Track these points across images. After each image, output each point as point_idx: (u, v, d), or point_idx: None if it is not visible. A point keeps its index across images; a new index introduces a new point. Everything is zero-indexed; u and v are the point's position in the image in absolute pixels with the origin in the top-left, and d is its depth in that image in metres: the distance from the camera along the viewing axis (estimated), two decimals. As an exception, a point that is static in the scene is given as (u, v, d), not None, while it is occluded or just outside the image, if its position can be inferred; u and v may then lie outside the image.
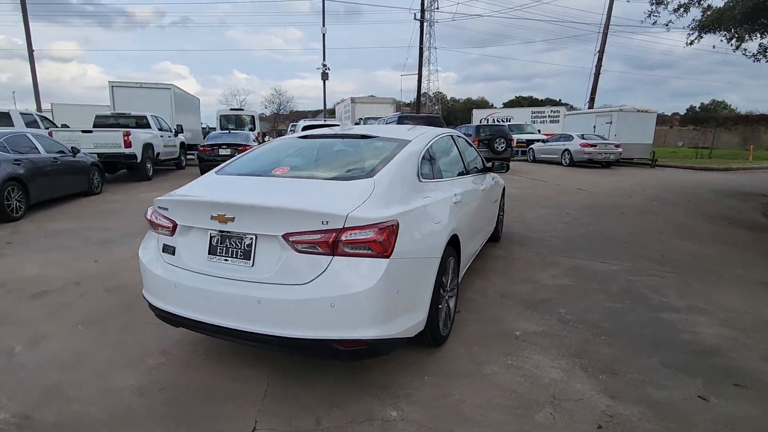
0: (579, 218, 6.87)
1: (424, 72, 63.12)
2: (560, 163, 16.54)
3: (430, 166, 2.87)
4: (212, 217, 2.08)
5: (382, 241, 1.97)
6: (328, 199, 2.14)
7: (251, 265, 2.07)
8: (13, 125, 10.97)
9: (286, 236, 1.97)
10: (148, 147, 11.24)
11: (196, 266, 2.19)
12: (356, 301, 1.93)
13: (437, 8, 42.85)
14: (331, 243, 1.92)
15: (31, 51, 14.02)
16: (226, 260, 2.13)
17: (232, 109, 18.24)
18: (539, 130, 23.23)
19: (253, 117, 18.15)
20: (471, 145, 4.44)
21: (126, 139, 10.31)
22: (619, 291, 3.74)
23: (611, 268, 4.35)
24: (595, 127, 18.60)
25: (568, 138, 16.64)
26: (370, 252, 1.96)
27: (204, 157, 11.76)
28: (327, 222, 1.93)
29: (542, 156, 17.78)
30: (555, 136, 18.21)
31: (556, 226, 6.25)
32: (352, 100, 19.55)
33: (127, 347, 2.79)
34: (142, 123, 12.15)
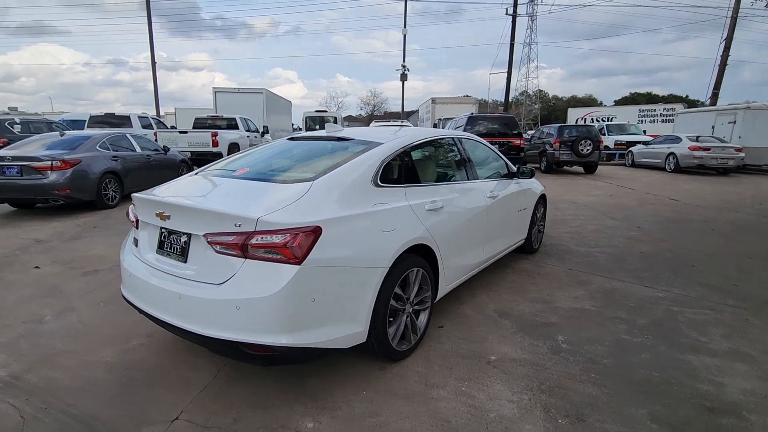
0: (650, 233, 5.96)
1: (523, 70, 59.97)
2: (663, 169, 14.53)
3: (400, 170, 2.73)
4: (156, 214, 2.23)
5: (292, 246, 1.92)
6: (251, 201, 2.15)
7: (185, 261, 2.18)
8: (131, 126, 12.95)
9: (206, 236, 2.03)
10: (234, 146, 12.41)
11: (148, 259, 2.36)
12: (260, 307, 1.91)
13: (540, 2, 40.43)
14: (242, 246, 1.93)
15: (153, 63, 16.46)
16: (168, 255, 2.26)
17: (316, 111, 19.29)
18: (645, 131, 20.68)
19: (335, 118, 19.00)
20: (491, 149, 4.11)
21: (214, 139, 11.50)
22: (648, 323, 3.16)
23: (654, 295, 3.70)
24: (713, 127, 16.01)
25: (675, 140, 14.55)
26: (279, 257, 1.93)
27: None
28: (239, 225, 1.94)
29: (642, 160, 15.79)
30: (659, 138, 16.05)
31: (614, 241, 5.51)
32: (433, 100, 19.34)
33: (124, 326, 3.11)
34: (231, 124, 13.45)
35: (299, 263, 1.93)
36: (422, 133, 3.20)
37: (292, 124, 22.30)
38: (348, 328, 2.19)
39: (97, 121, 13.49)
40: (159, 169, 9.04)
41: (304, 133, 3.62)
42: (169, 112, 27.57)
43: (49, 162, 6.56)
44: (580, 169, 14.24)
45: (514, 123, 12.25)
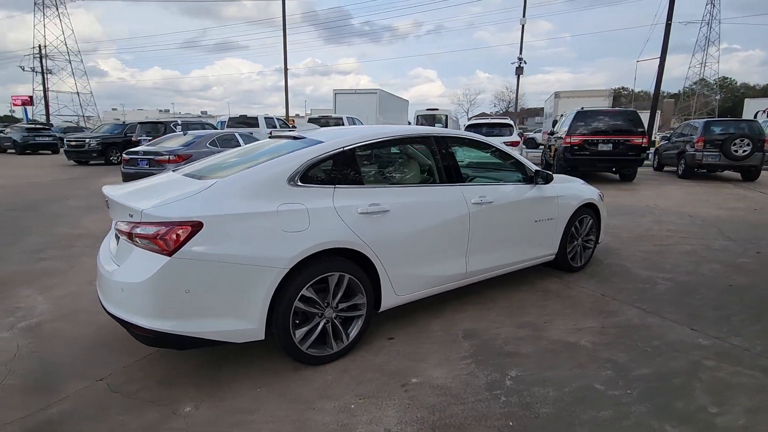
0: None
1: (699, 56, 50.27)
2: None
3: (336, 170, 2.63)
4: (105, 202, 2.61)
5: (165, 238, 2.05)
6: (156, 195, 2.33)
7: (117, 244, 2.50)
8: (258, 126, 14.87)
9: (116, 224, 2.30)
10: (337, 144, 13.29)
11: (111, 244, 2.76)
12: (134, 291, 2.11)
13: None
14: (129, 234, 2.14)
15: (285, 70, 18.62)
16: (116, 238, 2.62)
17: (428, 110, 19.24)
18: None
19: (446, 116, 18.71)
20: (502, 150, 3.64)
21: (318, 137, 12.49)
22: (649, 374, 2.47)
23: (695, 341, 2.85)
24: None
25: None
26: (154, 247, 2.08)
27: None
28: (131, 215, 2.16)
29: (842, 165, 11.87)
30: None
31: (703, 268, 4.35)
32: (556, 94, 17.43)
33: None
34: (338, 123, 14.40)
35: (170, 255, 2.06)
36: (380, 131, 3.02)
37: (409, 122, 22.77)
38: (235, 323, 2.24)
39: (236, 121, 15.85)
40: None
41: (280, 132, 3.75)
42: (307, 113, 30.69)
43: (167, 156, 8.00)
44: (737, 176, 11.44)
45: (636, 119, 10.37)
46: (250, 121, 15.67)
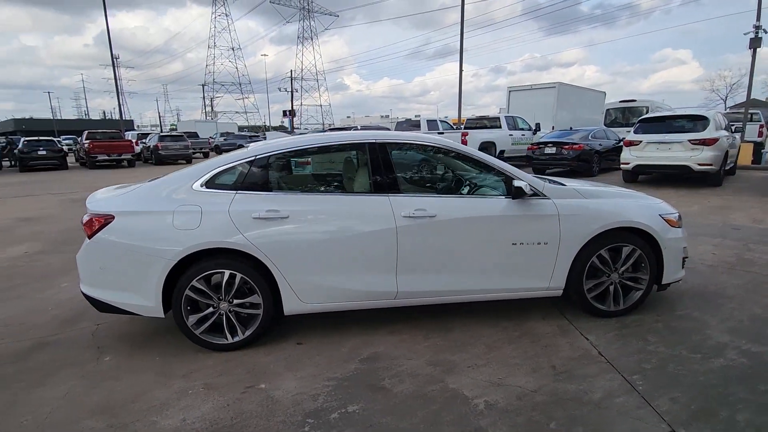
0: None
1: None
2: None
3: (244, 176, 2.81)
4: None
5: (88, 225, 2.72)
6: (107, 195, 3.00)
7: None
8: (419, 128, 15.56)
9: (91, 213, 3.11)
10: (488, 145, 12.74)
11: None
12: (77, 262, 2.84)
13: None
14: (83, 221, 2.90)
15: (461, 70, 18.68)
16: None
17: (621, 101, 16.07)
18: None
19: (647, 107, 15.28)
20: (473, 157, 3.05)
21: (463, 138, 12.27)
22: (504, 464, 1.81)
23: (647, 447, 1.88)
24: None
25: None
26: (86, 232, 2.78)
27: (530, 156, 11.85)
28: (87, 207, 2.92)
29: None
30: None
31: None
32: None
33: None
34: (494, 124, 13.72)
35: (89, 238, 2.72)
36: (308, 140, 3.01)
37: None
38: (137, 299, 2.74)
39: (403, 126, 16.99)
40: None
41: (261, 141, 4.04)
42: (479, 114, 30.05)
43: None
44: None
45: None
46: (415, 123, 16.50)
